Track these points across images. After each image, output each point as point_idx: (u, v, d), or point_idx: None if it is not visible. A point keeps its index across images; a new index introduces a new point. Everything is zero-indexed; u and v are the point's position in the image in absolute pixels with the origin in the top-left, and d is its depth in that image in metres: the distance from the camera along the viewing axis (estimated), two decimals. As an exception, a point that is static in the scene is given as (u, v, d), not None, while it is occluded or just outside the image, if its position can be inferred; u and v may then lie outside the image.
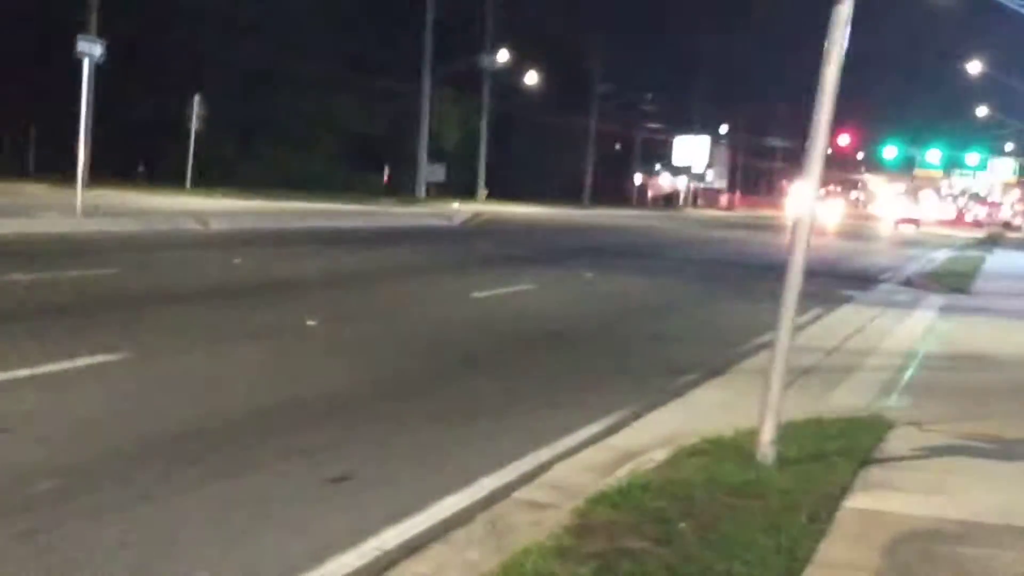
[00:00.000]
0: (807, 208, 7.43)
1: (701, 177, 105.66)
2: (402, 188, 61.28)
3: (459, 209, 48.64)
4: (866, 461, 7.54)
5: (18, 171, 43.95)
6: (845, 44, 7.22)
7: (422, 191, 60.62)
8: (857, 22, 7.30)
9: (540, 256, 27.30)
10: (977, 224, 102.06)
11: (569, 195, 76.65)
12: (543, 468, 7.39)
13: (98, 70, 27.63)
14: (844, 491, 6.74)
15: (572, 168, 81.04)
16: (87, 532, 5.65)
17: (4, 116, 44.41)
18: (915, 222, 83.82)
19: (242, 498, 6.40)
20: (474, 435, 8.35)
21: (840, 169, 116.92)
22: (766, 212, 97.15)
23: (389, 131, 63.96)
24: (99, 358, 9.81)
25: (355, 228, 33.12)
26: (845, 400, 10.29)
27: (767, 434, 7.22)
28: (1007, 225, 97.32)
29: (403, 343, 12.55)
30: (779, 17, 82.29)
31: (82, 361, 9.63)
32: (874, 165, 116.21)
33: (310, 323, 12.98)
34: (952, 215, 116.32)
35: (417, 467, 7.33)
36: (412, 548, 5.68)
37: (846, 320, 17.11)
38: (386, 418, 8.69)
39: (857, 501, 6.59)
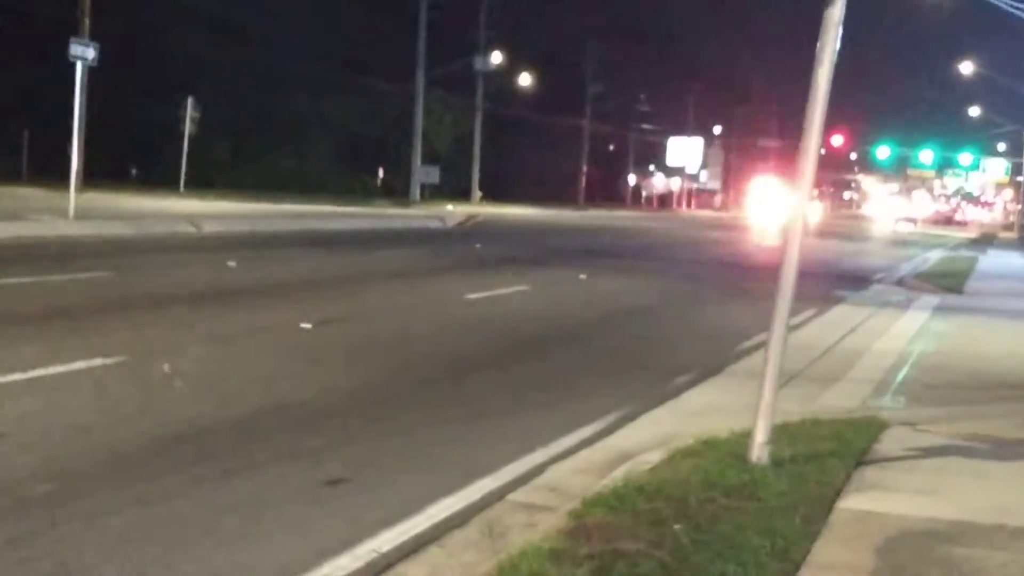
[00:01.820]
0: (800, 209, 7.45)
1: (695, 178, 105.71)
2: (396, 190, 61.26)
3: (453, 211, 48.64)
4: (860, 462, 7.56)
5: (11, 174, 43.89)
6: (837, 45, 7.23)
7: (416, 193, 60.60)
8: (849, 23, 7.32)
9: (534, 257, 27.30)
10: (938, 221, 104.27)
11: (563, 196, 76.64)
12: (538, 470, 7.40)
13: (91, 73, 27.64)
14: (838, 492, 6.75)
15: (566, 170, 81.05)
16: (82, 536, 5.65)
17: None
18: (913, 220, 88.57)
19: (237, 501, 6.40)
20: (469, 437, 8.36)
21: (833, 169, 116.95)
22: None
23: (383, 133, 63.95)
24: (95, 361, 9.81)
25: (349, 230, 33.12)
26: (839, 400, 10.31)
27: (761, 435, 7.23)
28: (949, 220, 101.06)
29: (397, 345, 12.56)
30: (773, 18, 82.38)
31: (77, 365, 9.62)
32: (867, 165, 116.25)
33: (304, 326, 12.98)
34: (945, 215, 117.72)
35: (412, 469, 7.34)
36: (408, 551, 5.69)
37: (840, 320, 17.14)
38: (381, 420, 8.70)
39: (851, 502, 6.60)
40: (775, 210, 71.41)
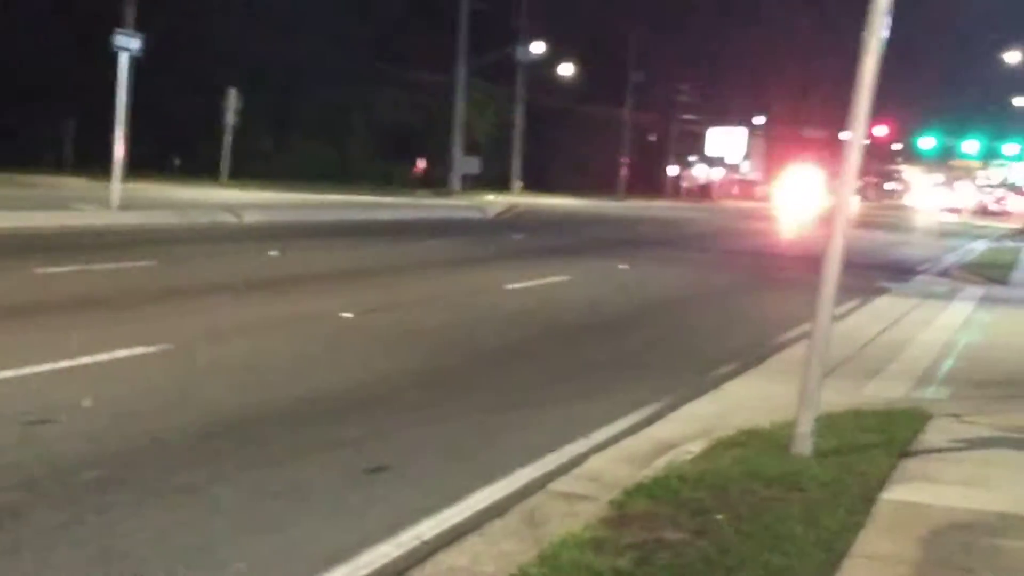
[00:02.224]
0: (845, 199, 7.39)
1: (736, 168, 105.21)
2: (437, 180, 61.29)
3: (494, 201, 48.62)
4: (904, 453, 7.50)
5: (56, 164, 44.28)
6: (884, 35, 7.17)
7: (457, 183, 60.58)
8: (896, 11, 7.25)
9: (574, 248, 27.29)
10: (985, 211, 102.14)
11: (603, 186, 76.42)
12: (579, 459, 7.38)
13: (135, 63, 27.80)
14: (882, 483, 6.70)
15: (607, 160, 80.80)
16: (128, 522, 5.69)
17: (43, 109, 44.71)
18: (957, 211, 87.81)
19: (280, 488, 6.43)
20: (509, 426, 8.36)
21: (877, 160, 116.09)
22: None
23: (424, 123, 63.99)
24: (138, 350, 9.88)
25: (390, 220, 33.19)
26: (882, 391, 10.24)
27: (804, 425, 7.19)
28: (984, 211, 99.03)
29: (438, 334, 12.57)
30: (819, 5, 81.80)
31: (122, 352, 9.70)
32: (911, 155, 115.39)
33: (345, 315, 13.03)
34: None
35: (453, 458, 7.35)
36: (449, 539, 5.70)
37: (883, 311, 17.02)
38: (422, 409, 8.72)
39: (895, 493, 6.55)
40: (806, 199, 71.00)
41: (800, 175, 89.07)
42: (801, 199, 71.83)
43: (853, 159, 7.33)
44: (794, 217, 51.67)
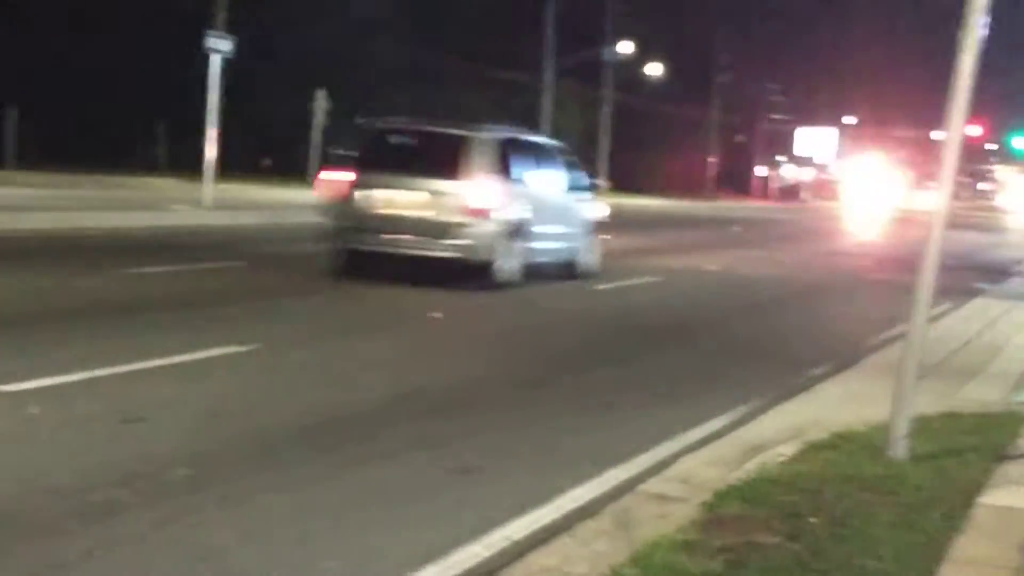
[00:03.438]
0: (944, 200, 7.25)
1: (825, 168, 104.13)
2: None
3: (580, 201, 48.44)
4: (1001, 457, 7.36)
5: (149, 165, 44.95)
6: (983, 32, 7.02)
7: (543, 183, 60.45)
8: (992, 7, 7.10)
9: (662, 248, 27.19)
10: None
11: (691, 187, 76.04)
12: (669, 461, 7.33)
13: (226, 64, 28.16)
14: (979, 487, 6.58)
15: (694, 160, 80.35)
16: (220, 520, 5.74)
17: (135, 111, 45.41)
18: None
19: (370, 488, 6.45)
20: (598, 427, 8.33)
21: (969, 159, 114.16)
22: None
23: (513, 124, 64.04)
24: (230, 349, 9.98)
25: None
26: (978, 394, 10.05)
27: (899, 428, 7.08)
28: None
29: (526, 335, 12.57)
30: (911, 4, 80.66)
31: (214, 351, 9.80)
32: (1005, 155, 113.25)
33: (434, 315, 13.07)
34: None
35: (542, 459, 7.33)
36: (539, 540, 5.67)
37: (978, 313, 16.72)
38: (510, 409, 8.71)
39: (993, 497, 6.43)
40: (887, 200, 69.79)
41: (882, 174, 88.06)
42: (882, 199, 70.85)
43: (950, 160, 7.19)
44: (873, 217, 50.93)
